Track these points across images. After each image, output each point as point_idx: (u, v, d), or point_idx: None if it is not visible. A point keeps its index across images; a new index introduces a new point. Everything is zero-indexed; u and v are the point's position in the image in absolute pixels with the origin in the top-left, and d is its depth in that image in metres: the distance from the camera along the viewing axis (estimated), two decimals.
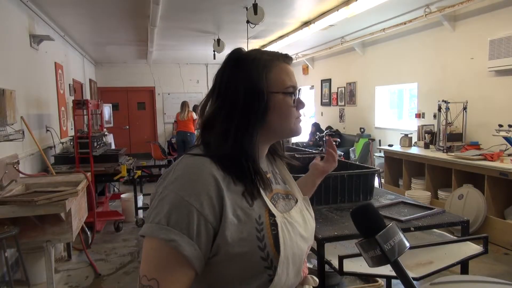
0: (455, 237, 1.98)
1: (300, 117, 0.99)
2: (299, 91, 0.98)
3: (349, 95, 8.16)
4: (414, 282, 0.83)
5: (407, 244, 0.80)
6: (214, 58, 7.73)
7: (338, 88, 8.59)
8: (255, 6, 4.67)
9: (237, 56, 0.95)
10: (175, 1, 4.71)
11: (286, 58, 0.99)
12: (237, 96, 0.91)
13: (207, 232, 0.81)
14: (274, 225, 0.89)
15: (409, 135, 5.72)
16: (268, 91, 0.92)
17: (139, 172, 5.05)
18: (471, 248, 1.82)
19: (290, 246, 0.89)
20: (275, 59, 0.96)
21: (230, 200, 0.84)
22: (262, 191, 0.92)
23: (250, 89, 0.91)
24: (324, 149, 7.22)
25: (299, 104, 0.98)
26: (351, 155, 7.09)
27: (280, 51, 1.00)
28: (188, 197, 0.81)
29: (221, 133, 0.91)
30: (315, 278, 1.00)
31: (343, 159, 3.22)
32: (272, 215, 0.90)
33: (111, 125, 9.08)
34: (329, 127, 8.67)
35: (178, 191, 0.82)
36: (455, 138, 4.95)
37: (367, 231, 0.81)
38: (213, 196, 0.82)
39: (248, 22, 4.90)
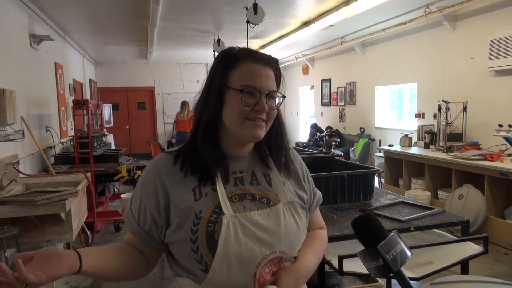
0: (455, 237, 1.98)
1: (257, 121, 0.95)
2: (267, 94, 0.95)
3: (349, 95, 8.16)
4: (414, 282, 0.82)
5: (409, 254, 0.79)
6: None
7: (338, 88, 8.59)
8: (255, 6, 4.67)
9: (219, 53, 1.03)
10: (175, 1, 4.71)
11: (259, 59, 0.97)
12: (204, 88, 1.00)
13: (148, 218, 0.96)
14: (213, 222, 0.92)
15: (409, 135, 5.71)
16: (225, 86, 0.96)
17: (139, 172, 5.05)
18: (471, 248, 1.81)
19: (235, 246, 0.90)
20: (244, 57, 0.97)
21: (174, 193, 0.95)
22: (220, 188, 0.95)
23: (210, 81, 0.98)
24: (324, 149, 7.22)
25: (257, 106, 0.94)
26: (351, 155, 7.09)
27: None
28: (139, 186, 1.00)
29: (193, 123, 1.01)
30: None
31: (343, 159, 3.22)
32: (216, 212, 0.93)
33: (111, 125, 9.08)
34: (329, 127, 8.67)
35: (138, 181, 1.02)
36: (455, 138, 4.95)
37: (369, 241, 0.80)
38: (158, 188, 0.96)
39: (248, 22, 4.90)
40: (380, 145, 6.88)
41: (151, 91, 11.28)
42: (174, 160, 0.99)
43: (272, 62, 0.99)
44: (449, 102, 4.95)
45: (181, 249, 0.94)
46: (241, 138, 0.99)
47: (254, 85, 0.94)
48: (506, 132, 4.20)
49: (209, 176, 0.96)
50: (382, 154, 6.19)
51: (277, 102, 0.99)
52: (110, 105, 9.48)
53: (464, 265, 1.82)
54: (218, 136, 0.99)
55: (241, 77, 0.95)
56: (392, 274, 0.78)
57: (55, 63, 5.62)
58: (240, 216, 0.93)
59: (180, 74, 11.27)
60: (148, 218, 0.97)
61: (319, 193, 1.16)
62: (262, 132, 0.97)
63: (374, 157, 6.92)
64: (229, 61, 0.97)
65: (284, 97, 1.01)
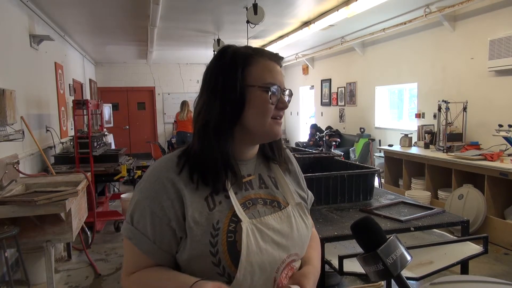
0: (455, 237, 1.98)
1: (278, 119, 0.95)
2: (283, 91, 0.95)
3: (349, 95, 8.16)
4: (414, 282, 0.82)
5: (409, 258, 0.79)
6: None
7: (338, 88, 8.59)
8: (255, 6, 4.67)
9: (221, 50, 0.97)
10: (175, 1, 4.71)
11: (272, 56, 0.96)
12: (215, 88, 0.92)
13: (165, 231, 0.87)
14: (232, 232, 0.88)
15: (409, 135, 5.72)
16: (246, 84, 0.91)
17: (139, 172, 5.05)
18: (471, 248, 1.81)
19: (257, 253, 0.87)
20: (258, 55, 0.94)
21: (189, 203, 0.88)
22: (232, 195, 0.91)
23: (225, 80, 0.91)
24: (323, 149, 7.22)
25: (279, 103, 0.94)
26: (351, 155, 7.09)
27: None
28: (146, 199, 0.89)
29: (200, 127, 0.93)
30: None
31: (343, 159, 3.22)
32: (233, 221, 0.88)
33: (111, 125, 9.09)
34: (329, 127, 8.67)
35: (140, 192, 0.91)
36: (455, 138, 4.95)
37: (368, 245, 0.79)
38: (172, 197, 0.88)
39: (248, 22, 4.90)
40: (380, 145, 6.88)
41: (151, 91, 11.28)
42: (180, 166, 0.92)
43: (280, 59, 0.99)
44: (449, 102, 4.96)
45: (199, 265, 0.87)
46: (263, 138, 0.97)
47: (276, 82, 0.93)
48: (506, 132, 4.20)
49: (221, 183, 0.91)
50: (382, 154, 6.19)
51: (287, 99, 0.99)
52: (110, 105, 9.49)
53: (464, 265, 1.82)
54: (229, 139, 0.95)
55: (262, 74, 0.92)
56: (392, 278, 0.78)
57: (55, 63, 5.62)
58: (256, 222, 0.91)
59: (180, 74, 11.27)
60: (166, 232, 0.88)
61: (310, 193, 1.17)
62: (281, 130, 0.98)
63: (374, 157, 6.92)
64: (243, 58, 0.93)
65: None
